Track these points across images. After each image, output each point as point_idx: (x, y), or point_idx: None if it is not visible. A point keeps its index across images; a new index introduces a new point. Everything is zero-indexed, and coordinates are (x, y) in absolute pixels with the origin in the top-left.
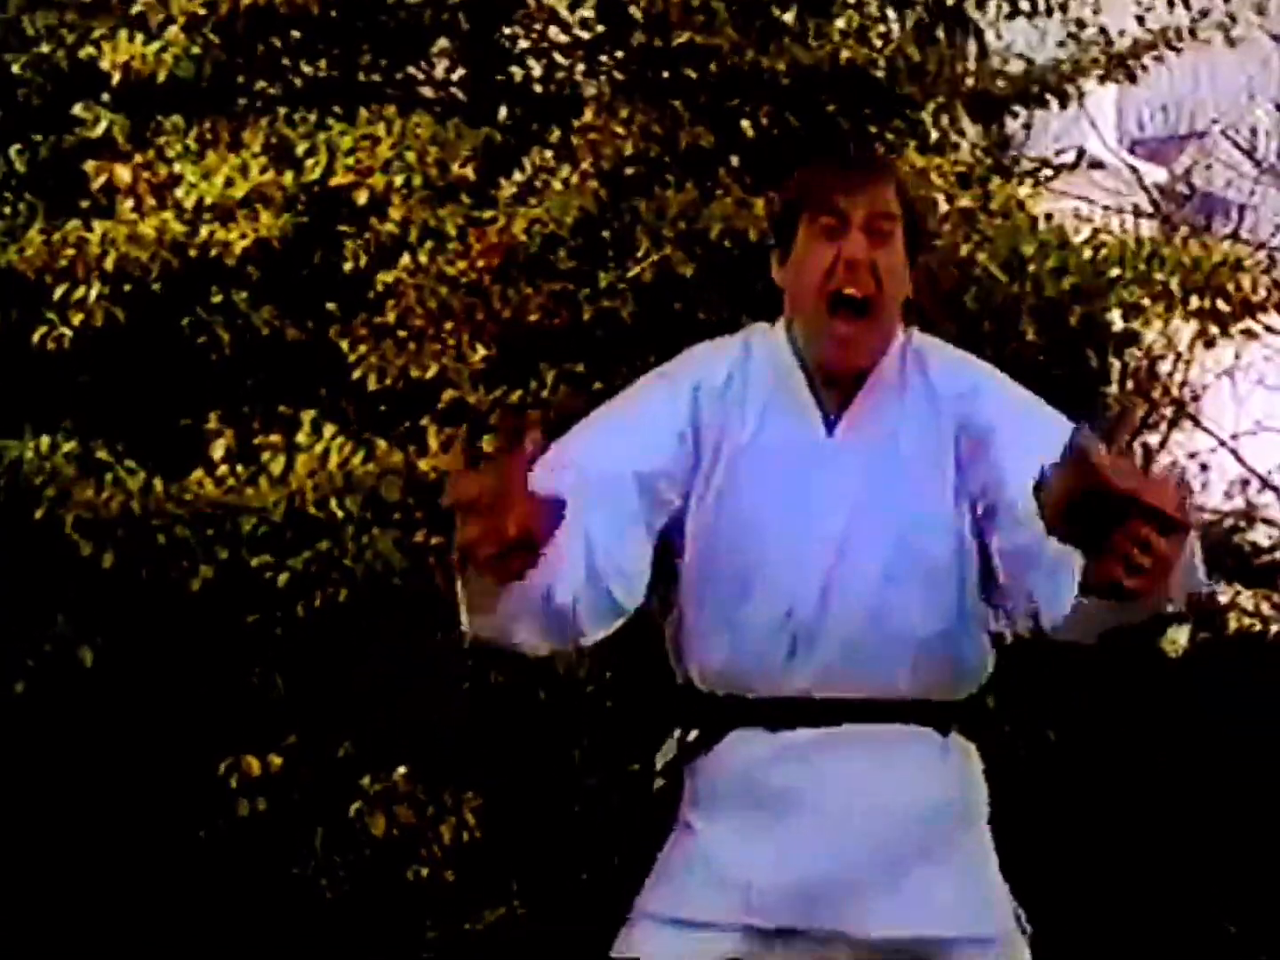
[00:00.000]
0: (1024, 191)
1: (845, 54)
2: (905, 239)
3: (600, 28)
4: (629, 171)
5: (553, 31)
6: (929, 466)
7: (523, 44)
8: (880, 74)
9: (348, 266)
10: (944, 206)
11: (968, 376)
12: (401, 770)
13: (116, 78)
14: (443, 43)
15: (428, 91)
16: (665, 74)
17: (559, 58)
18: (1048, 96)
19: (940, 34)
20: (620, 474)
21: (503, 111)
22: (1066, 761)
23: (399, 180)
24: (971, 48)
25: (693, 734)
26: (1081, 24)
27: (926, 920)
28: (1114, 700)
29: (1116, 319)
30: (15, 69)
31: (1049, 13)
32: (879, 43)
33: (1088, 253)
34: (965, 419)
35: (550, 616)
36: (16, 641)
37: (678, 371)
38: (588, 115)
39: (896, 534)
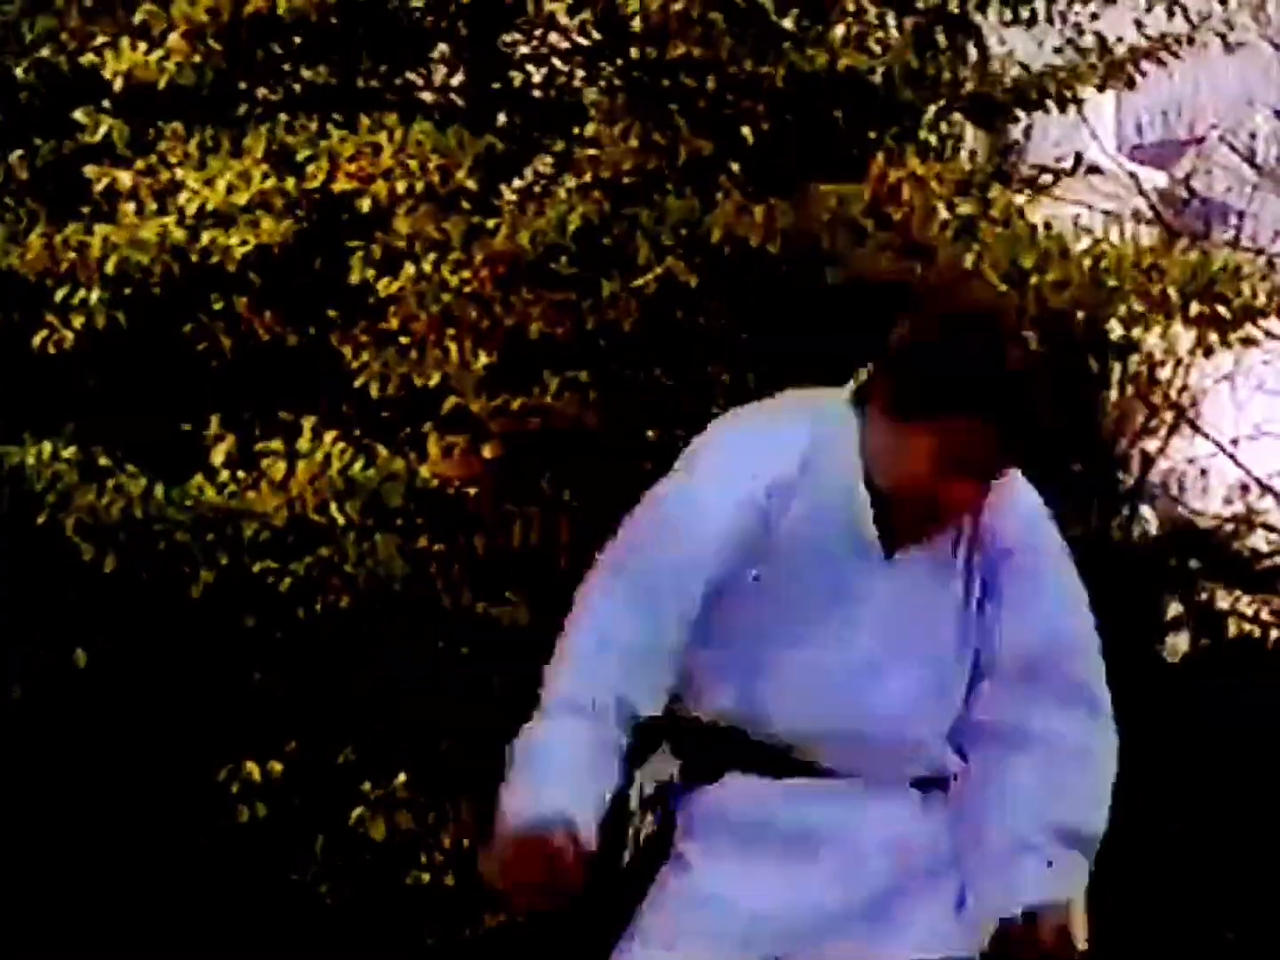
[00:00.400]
0: (1023, 199)
1: (844, 61)
2: None
3: (599, 35)
4: (630, 180)
5: (553, 38)
6: (961, 602)
7: (523, 50)
8: (879, 81)
9: (353, 277)
10: (944, 214)
11: (1013, 534)
12: (402, 777)
13: (119, 85)
14: (443, 49)
15: (427, 97)
16: (664, 83)
17: (558, 64)
18: (1046, 102)
19: (940, 40)
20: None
21: (502, 118)
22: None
23: (401, 187)
24: (972, 54)
25: (677, 766)
26: (1080, 30)
27: (920, 944)
28: (1113, 705)
29: (1116, 326)
30: (18, 73)
31: (1050, 19)
32: (878, 50)
33: (1088, 263)
34: (992, 574)
35: None
36: (18, 646)
37: (740, 473)
38: (589, 127)
39: (927, 663)
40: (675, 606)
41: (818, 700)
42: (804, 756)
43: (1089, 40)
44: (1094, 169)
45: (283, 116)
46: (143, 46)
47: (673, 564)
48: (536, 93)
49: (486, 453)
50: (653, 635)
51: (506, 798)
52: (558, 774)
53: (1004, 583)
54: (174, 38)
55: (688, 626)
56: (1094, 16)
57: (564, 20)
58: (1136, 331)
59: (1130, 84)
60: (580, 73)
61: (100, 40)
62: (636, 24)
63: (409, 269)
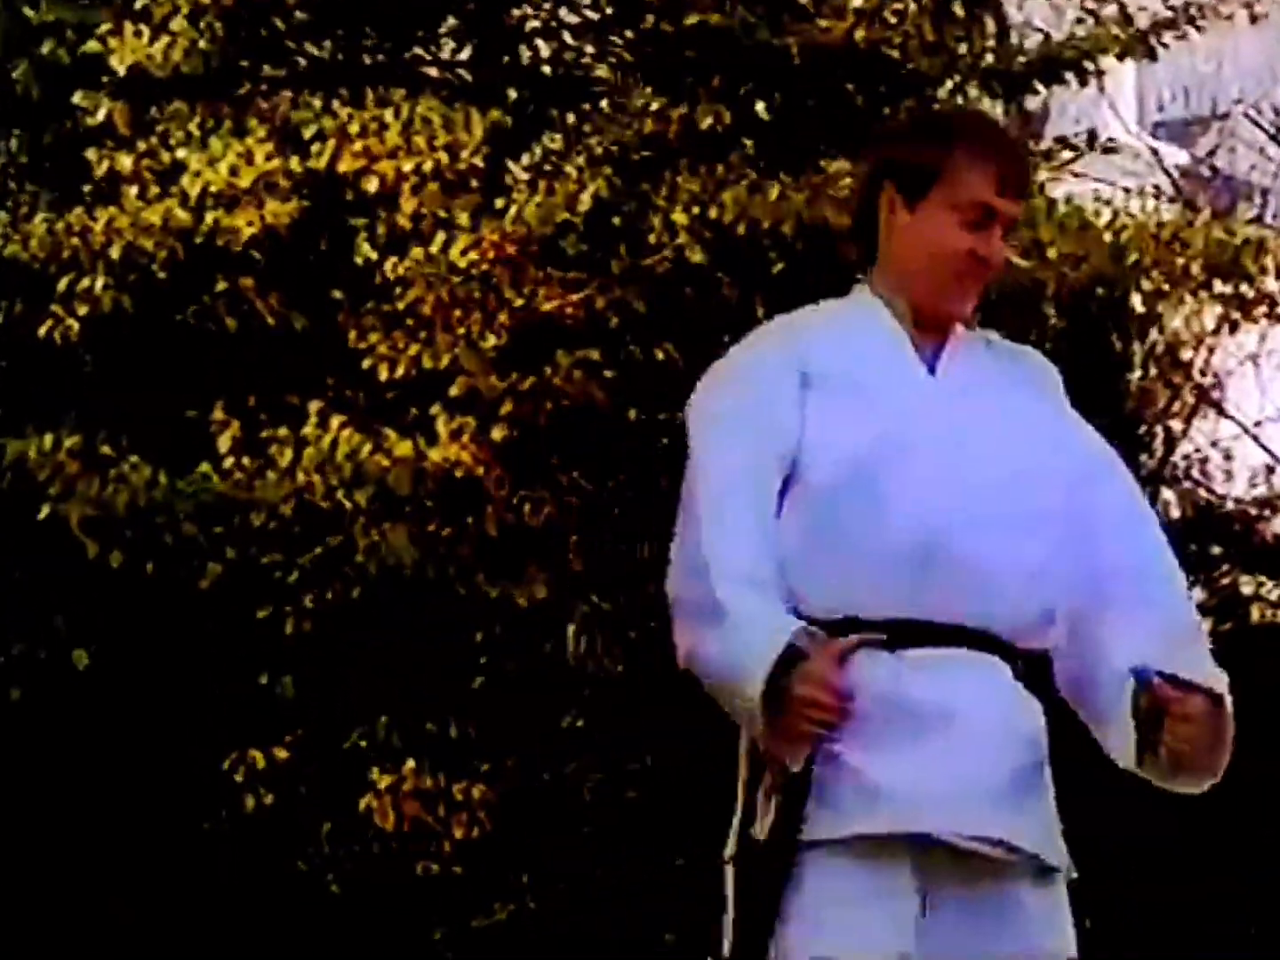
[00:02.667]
0: (1043, 174)
1: (860, 33)
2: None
3: (610, 8)
4: (641, 157)
5: (562, 11)
6: (1035, 420)
7: (532, 24)
8: (895, 53)
9: (359, 259)
10: None
11: (1044, 368)
12: (410, 764)
13: (122, 71)
14: (451, 22)
15: (434, 72)
16: (677, 56)
17: (568, 38)
18: (1066, 75)
19: (958, 10)
20: (765, 488)
21: (512, 93)
22: (1087, 757)
23: (408, 167)
24: (990, 25)
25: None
26: None
27: (1043, 843)
28: None
29: (1138, 303)
30: (16, 75)
31: None
32: (894, 21)
33: (1108, 236)
34: (1062, 397)
35: None
36: (23, 636)
37: (782, 336)
38: (602, 104)
39: (1013, 476)
40: (770, 490)
41: (905, 528)
42: (932, 619)
43: (1110, 10)
44: (1114, 146)
45: (286, 93)
46: (147, 34)
47: (755, 456)
48: (546, 68)
49: (496, 434)
50: (766, 526)
51: (737, 696)
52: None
53: (1064, 414)
54: (178, 20)
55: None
56: None
57: None
58: (1160, 307)
59: (1152, 55)
60: (590, 48)
61: (104, 28)
62: None
63: (417, 250)
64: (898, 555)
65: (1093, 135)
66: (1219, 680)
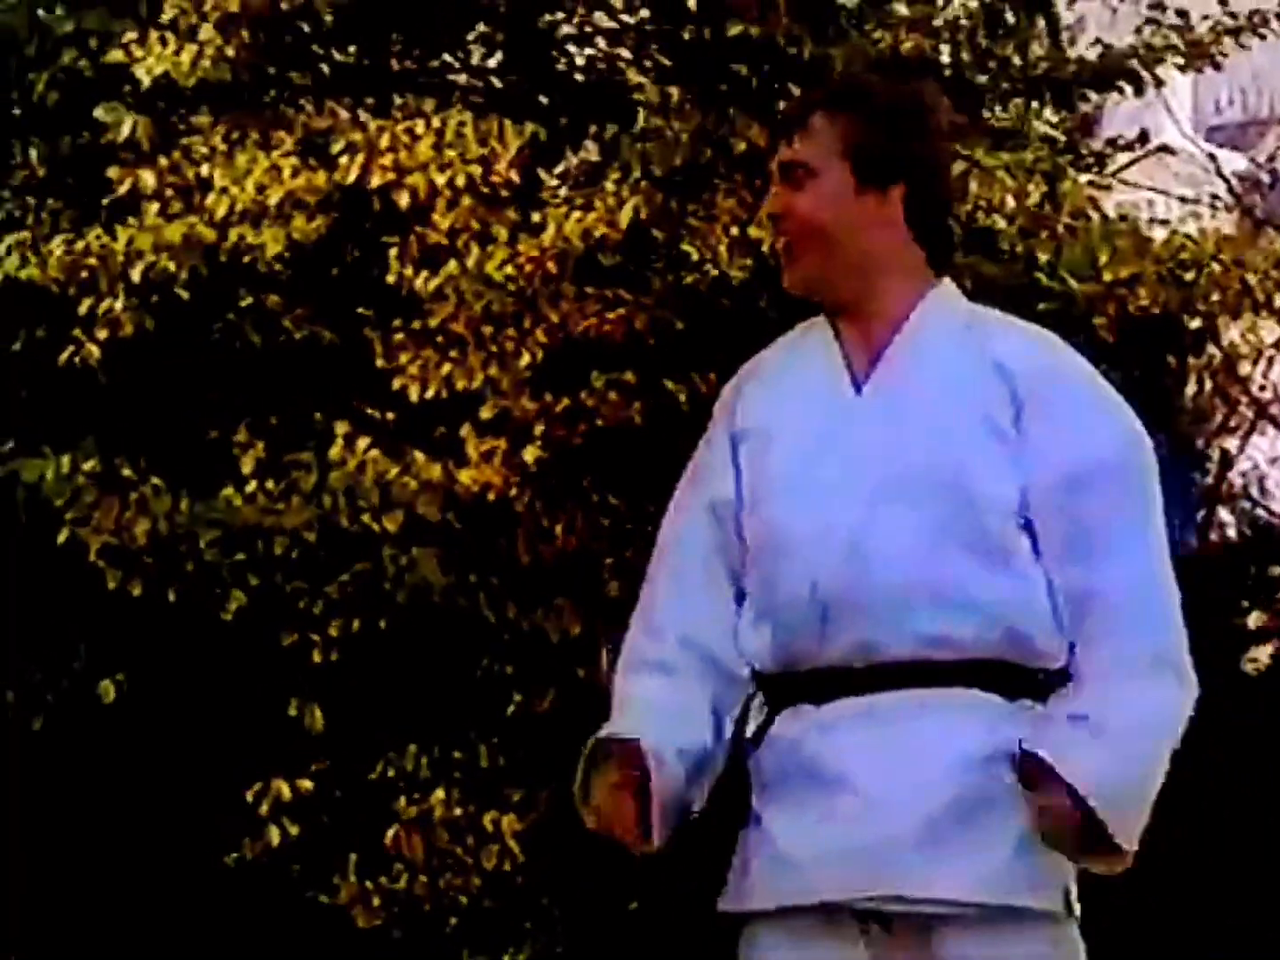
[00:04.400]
0: (1095, 191)
1: (908, 43)
2: (855, 167)
3: (646, 12)
4: (680, 171)
5: (597, 17)
6: (978, 428)
7: (565, 30)
8: (945, 62)
9: (390, 278)
10: (1011, 204)
11: (1044, 360)
12: (439, 794)
13: (147, 83)
14: (481, 28)
15: (463, 79)
16: (717, 67)
17: (603, 44)
18: (1120, 83)
19: (1010, 18)
20: (711, 575)
21: (544, 101)
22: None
23: (441, 180)
24: (1043, 32)
25: (758, 717)
26: (1161, 7)
27: (967, 887)
28: (1194, 719)
29: (1194, 319)
30: (39, 88)
31: None
32: (944, 31)
33: (1165, 254)
34: (1036, 401)
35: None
36: (40, 664)
37: (729, 390)
38: (639, 113)
39: (936, 493)
40: (715, 554)
41: (816, 569)
42: (852, 664)
43: (1170, 17)
44: (1168, 150)
45: (311, 101)
46: (173, 44)
47: (694, 521)
48: (579, 76)
49: (528, 456)
50: (705, 582)
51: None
52: (626, 715)
53: (1028, 422)
54: (206, 28)
55: (734, 569)
56: None
57: None
58: (1217, 322)
59: (1215, 65)
60: (625, 52)
61: (129, 37)
62: (690, 2)
63: (451, 266)
64: (795, 608)
65: (1144, 136)
66: (1089, 772)
